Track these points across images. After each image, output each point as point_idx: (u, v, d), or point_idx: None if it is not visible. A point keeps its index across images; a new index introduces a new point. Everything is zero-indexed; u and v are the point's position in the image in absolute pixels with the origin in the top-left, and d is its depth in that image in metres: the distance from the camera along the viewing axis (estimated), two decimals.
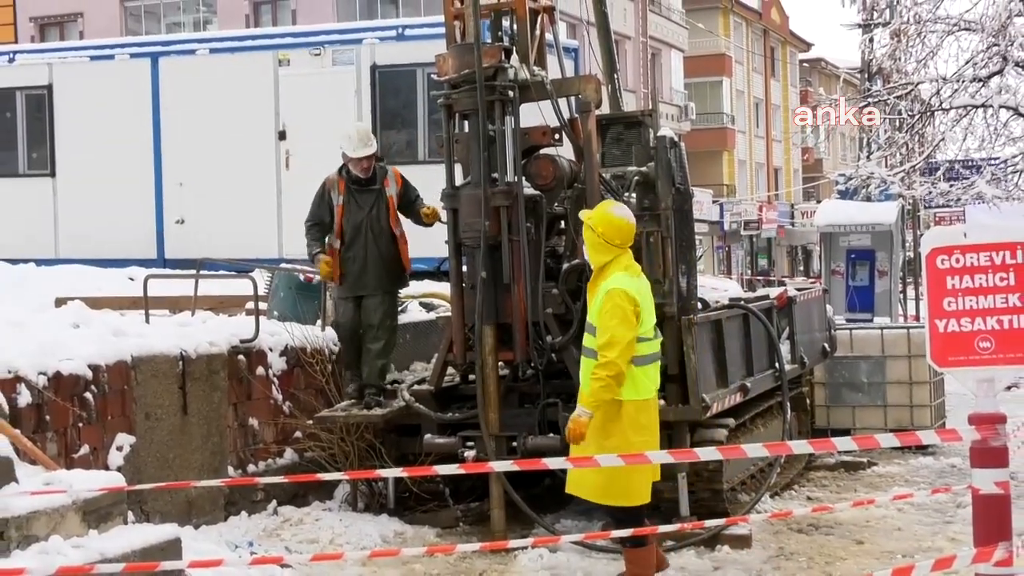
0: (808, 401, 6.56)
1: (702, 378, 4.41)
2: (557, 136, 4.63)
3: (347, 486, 4.83)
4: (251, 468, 4.76)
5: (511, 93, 4.44)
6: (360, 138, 4.69)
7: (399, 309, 5.53)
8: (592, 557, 4.18)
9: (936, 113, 8.68)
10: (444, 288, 5.25)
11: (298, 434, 4.94)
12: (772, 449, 3.24)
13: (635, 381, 3.51)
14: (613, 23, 5.93)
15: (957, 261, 2.55)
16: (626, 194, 4.62)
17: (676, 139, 4.65)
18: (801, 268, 33.24)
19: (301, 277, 5.41)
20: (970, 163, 10.25)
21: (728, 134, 29.47)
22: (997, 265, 2.52)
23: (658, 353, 3.64)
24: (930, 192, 10.42)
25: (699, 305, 4.85)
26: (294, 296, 5.34)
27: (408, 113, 7.69)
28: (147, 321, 4.91)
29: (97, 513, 3.37)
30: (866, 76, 14.74)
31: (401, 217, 4.79)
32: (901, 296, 12.43)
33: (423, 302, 6.00)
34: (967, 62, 8.17)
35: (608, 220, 3.59)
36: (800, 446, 3.86)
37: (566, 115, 4.62)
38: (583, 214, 3.72)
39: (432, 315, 5.83)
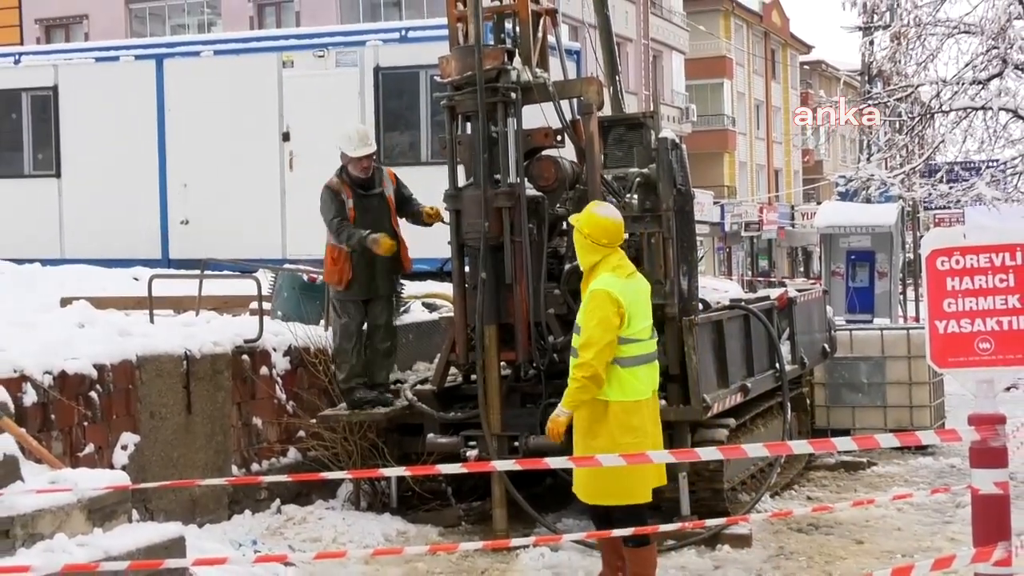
0: (808, 401, 6.58)
1: (703, 378, 4.42)
2: (559, 138, 4.65)
3: (350, 485, 4.85)
4: (255, 467, 4.78)
5: (513, 95, 4.46)
6: (360, 138, 4.70)
7: (402, 310, 5.57)
8: (594, 556, 4.19)
9: (936, 115, 8.71)
10: (447, 288, 5.28)
11: (301, 433, 4.97)
12: (772, 449, 3.25)
13: (621, 382, 3.45)
14: (615, 25, 5.97)
15: (957, 262, 2.56)
16: (628, 195, 4.65)
17: (677, 141, 4.67)
18: (801, 269, 33.26)
19: (304, 277, 5.43)
20: (970, 165, 10.28)
21: (729, 136, 29.52)
22: (997, 266, 2.54)
23: (652, 354, 3.57)
24: (930, 194, 10.44)
25: (700, 306, 4.87)
26: (297, 296, 5.36)
27: (411, 115, 7.71)
28: (152, 321, 4.93)
29: (102, 511, 3.39)
30: (866, 78, 14.78)
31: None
32: (901, 297, 12.45)
33: (426, 302, 6.02)
34: (967, 65, 8.21)
35: (593, 220, 3.58)
36: (800, 446, 3.88)
37: (568, 117, 4.64)
38: (572, 218, 3.72)
39: (435, 315, 5.85)
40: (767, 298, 5.80)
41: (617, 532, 3.40)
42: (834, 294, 10.10)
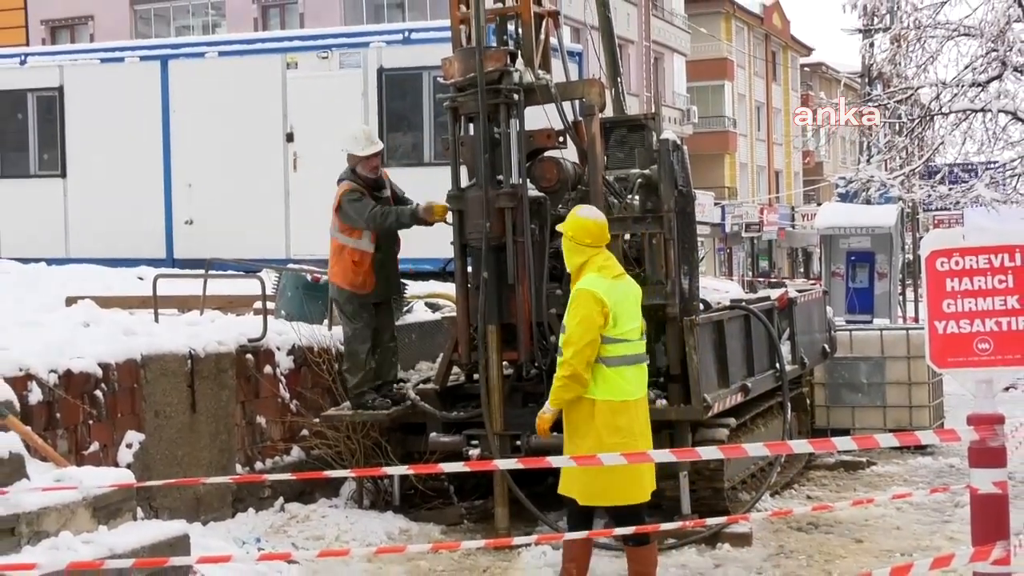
0: (808, 401, 6.60)
1: (704, 378, 4.44)
2: (561, 139, 4.67)
3: (353, 483, 4.87)
4: (258, 465, 4.80)
5: (516, 96, 4.49)
6: (366, 137, 4.72)
7: (405, 310, 5.60)
8: (596, 554, 4.18)
9: (935, 117, 8.74)
10: (449, 289, 5.30)
11: (305, 432, 4.99)
12: (772, 448, 3.28)
13: (608, 382, 3.45)
14: (616, 27, 5.98)
15: (956, 263, 2.57)
16: (629, 196, 4.67)
17: (679, 142, 4.69)
18: (801, 270, 33.28)
19: (308, 277, 5.46)
20: (969, 167, 10.31)
21: (730, 137, 29.56)
22: (996, 267, 2.54)
23: (640, 355, 3.56)
24: (929, 195, 10.46)
25: (701, 306, 4.89)
26: (301, 296, 5.37)
27: (414, 116, 7.74)
28: (156, 320, 4.96)
29: (107, 509, 3.41)
30: (866, 81, 14.80)
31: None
32: (900, 298, 12.49)
33: (428, 302, 6.05)
34: (966, 67, 8.23)
35: (575, 222, 3.62)
36: (800, 446, 3.91)
37: (570, 118, 4.66)
38: (559, 226, 3.75)
39: (437, 315, 5.87)
40: (767, 298, 5.82)
41: (619, 531, 3.42)
42: (834, 295, 10.13)
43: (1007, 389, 8.61)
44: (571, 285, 3.65)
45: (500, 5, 4.88)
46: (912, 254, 13.94)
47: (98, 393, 4.05)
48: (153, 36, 19.19)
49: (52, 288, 6.19)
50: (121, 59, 8.76)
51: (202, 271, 5.52)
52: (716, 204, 27.37)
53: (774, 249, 32.46)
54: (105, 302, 5.43)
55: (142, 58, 8.67)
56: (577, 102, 4.67)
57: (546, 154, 4.70)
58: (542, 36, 4.79)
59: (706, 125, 27.84)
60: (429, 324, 5.74)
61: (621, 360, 3.50)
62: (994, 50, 7.90)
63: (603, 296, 3.47)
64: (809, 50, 36.83)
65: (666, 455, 3.15)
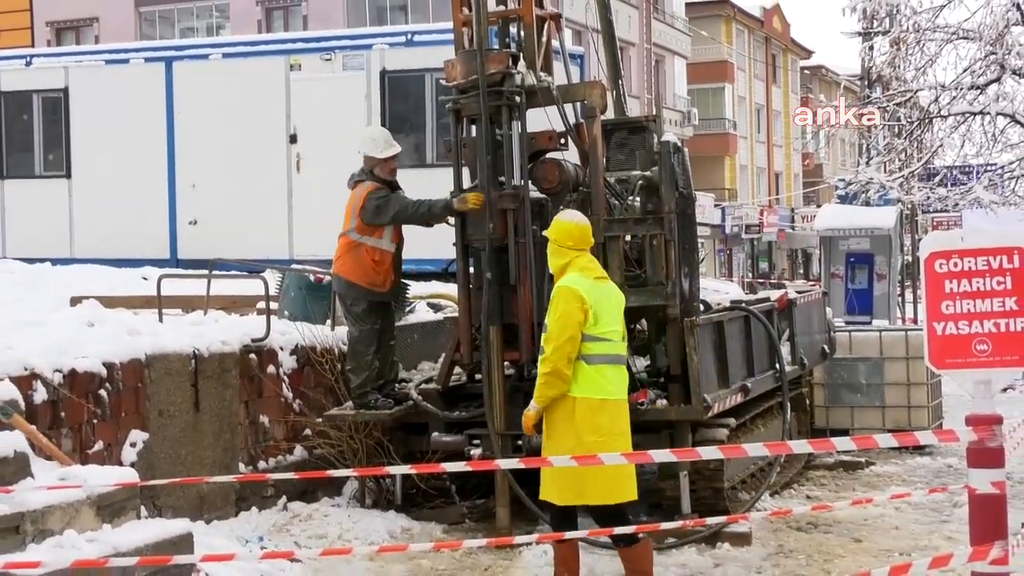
0: (808, 402, 6.63)
1: (704, 378, 4.46)
2: (563, 141, 4.70)
3: (355, 483, 4.89)
4: (261, 464, 4.82)
5: (518, 98, 4.51)
6: (385, 139, 4.73)
7: (408, 310, 5.62)
8: (595, 553, 4.24)
9: (934, 120, 8.77)
10: (451, 289, 5.33)
11: (308, 431, 5.01)
12: (772, 448, 3.27)
13: (588, 379, 3.48)
14: (618, 30, 6.02)
15: (955, 265, 2.58)
16: (630, 198, 4.70)
17: (679, 144, 4.71)
18: (801, 271, 33.32)
19: (311, 278, 5.48)
20: (968, 169, 10.35)
21: (730, 139, 29.61)
22: (994, 269, 2.55)
23: (620, 357, 3.59)
24: (928, 197, 10.50)
25: (701, 307, 4.91)
26: (304, 296, 5.39)
27: (417, 117, 7.77)
28: (160, 320, 4.97)
29: (111, 508, 3.42)
30: (866, 83, 14.85)
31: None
32: (899, 299, 12.52)
33: (431, 303, 6.07)
34: (965, 70, 8.27)
35: (558, 225, 3.68)
36: (800, 446, 3.92)
37: (572, 120, 4.69)
38: (545, 231, 3.81)
39: (439, 316, 5.90)
40: (767, 299, 5.85)
41: (620, 530, 3.44)
42: (833, 296, 10.16)
43: (1005, 390, 8.65)
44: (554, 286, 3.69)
45: (502, 8, 4.90)
46: (911, 256, 13.98)
47: (102, 392, 4.07)
48: (158, 38, 19.25)
49: (57, 288, 6.21)
50: (126, 61, 8.80)
51: (206, 271, 5.55)
52: (716, 206, 27.42)
53: (774, 250, 32.50)
54: (109, 302, 5.46)
55: (147, 60, 8.71)
56: (578, 104, 4.70)
57: (548, 156, 4.73)
58: (544, 39, 4.82)
59: (706, 127, 27.89)
60: (431, 324, 5.76)
61: (601, 358, 3.53)
62: (993, 53, 7.94)
63: (583, 293, 3.52)
64: (809, 53, 36.89)
65: (666, 455, 3.17)
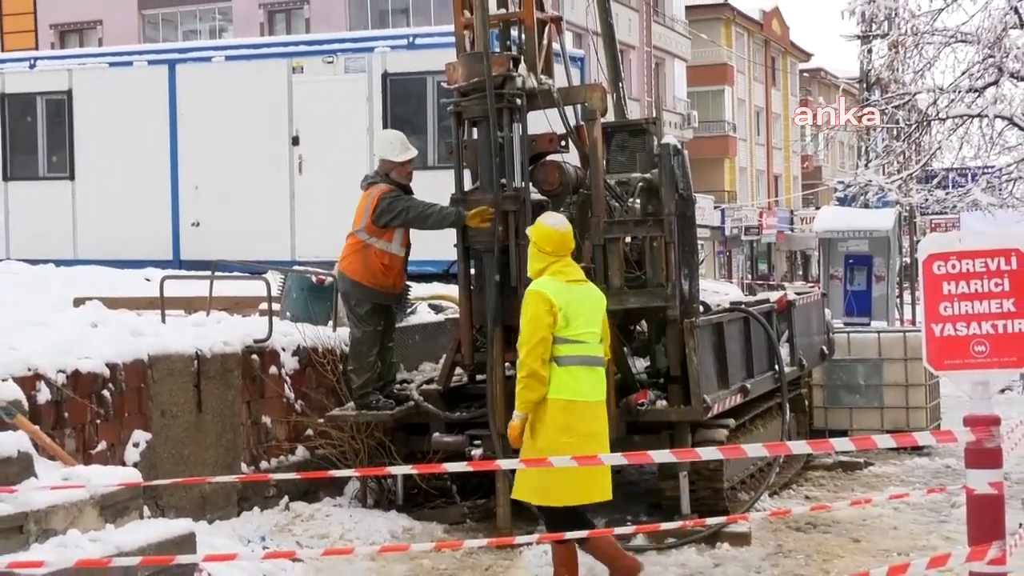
0: (807, 402, 6.66)
1: (703, 379, 4.48)
2: (563, 143, 4.73)
3: (357, 483, 4.90)
4: (264, 465, 4.83)
5: (519, 101, 4.54)
6: (402, 143, 4.74)
7: (409, 311, 5.64)
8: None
9: (933, 123, 8.81)
10: (452, 290, 5.35)
11: (309, 432, 5.02)
12: (771, 449, 3.27)
13: (558, 380, 3.52)
14: (618, 33, 6.05)
15: (953, 267, 2.59)
16: (630, 200, 4.73)
17: (679, 146, 4.73)
18: (800, 273, 33.37)
19: (313, 279, 5.50)
20: (966, 171, 10.40)
21: (729, 142, 29.67)
22: (992, 271, 2.55)
23: (596, 359, 3.61)
24: (927, 199, 10.55)
25: (701, 308, 4.93)
26: (306, 297, 5.41)
27: (418, 120, 7.80)
28: (163, 321, 4.99)
29: (114, 508, 3.44)
30: (865, 86, 14.89)
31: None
32: (898, 301, 12.56)
33: (432, 304, 6.10)
34: (963, 73, 8.31)
35: (539, 229, 3.71)
36: (799, 446, 3.94)
37: (572, 123, 4.71)
38: (528, 230, 3.82)
39: (440, 317, 5.92)
40: (766, 301, 5.87)
41: (621, 530, 3.47)
42: (832, 297, 10.19)
43: (1003, 391, 8.68)
44: None
45: (503, 11, 4.93)
46: (909, 257, 14.02)
47: (105, 393, 4.09)
48: (161, 40, 19.32)
49: (60, 289, 6.23)
50: (129, 63, 8.84)
51: (208, 272, 5.56)
52: (716, 208, 27.48)
53: (773, 252, 32.55)
54: (113, 303, 5.47)
55: (150, 62, 8.75)
56: (579, 107, 4.72)
57: (548, 158, 4.75)
58: (544, 41, 4.84)
59: (706, 129, 27.96)
60: (432, 325, 5.79)
61: (572, 360, 3.56)
62: (991, 56, 7.98)
63: (551, 296, 3.55)
64: (808, 56, 36.98)
65: (666, 455, 3.19)
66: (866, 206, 12.16)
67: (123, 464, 4.06)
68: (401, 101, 7.92)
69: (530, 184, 4.63)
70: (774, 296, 6.01)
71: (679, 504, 4.50)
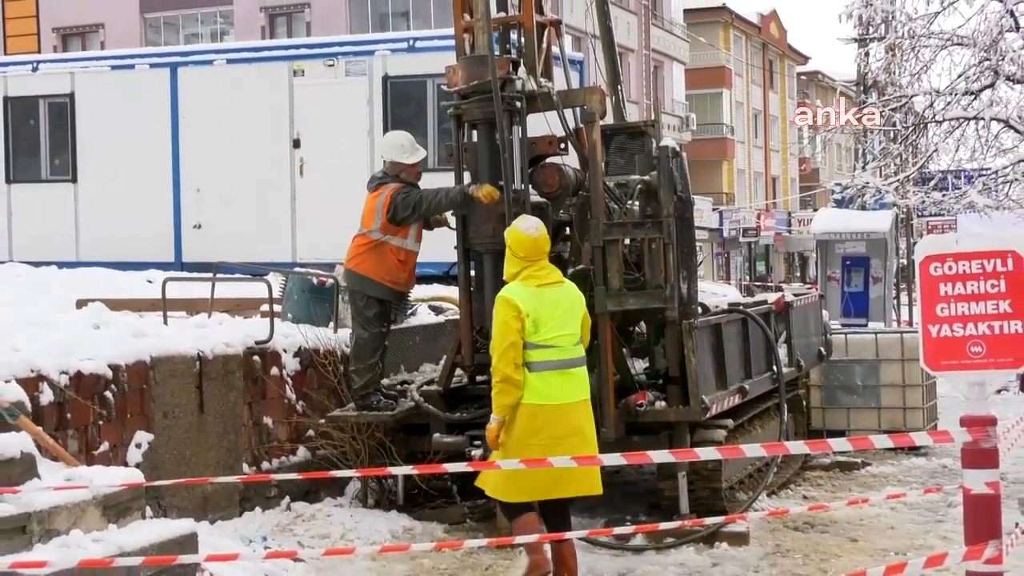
0: (804, 403, 6.68)
1: (702, 380, 4.50)
2: (563, 145, 4.75)
3: (358, 483, 4.92)
4: (265, 465, 4.85)
5: (519, 104, 4.56)
6: (412, 145, 4.76)
7: (410, 312, 5.66)
8: (595, 553, 4.28)
9: (929, 125, 8.86)
10: (452, 292, 5.38)
11: (311, 432, 5.04)
12: (769, 449, 3.29)
13: (530, 386, 3.58)
14: (617, 36, 6.06)
15: (949, 268, 2.60)
16: (629, 202, 4.75)
17: (678, 149, 4.75)
18: (798, 274, 33.44)
19: (314, 281, 5.52)
20: (962, 173, 10.45)
21: (728, 144, 29.74)
22: (988, 272, 2.56)
23: (571, 360, 3.65)
24: (923, 201, 10.60)
25: (699, 309, 4.96)
26: (307, 299, 5.42)
27: (418, 122, 7.81)
28: (165, 322, 5.01)
29: (116, 508, 3.45)
30: (862, 89, 14.96)
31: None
32: (895, 302, 12.61)
33: (432, 305, 6.12)
34: (959, 76, 8.36)
35: (512, 234, 3.75)
36: (797, 447, 3.95)
37: (571, 125, 4.73)
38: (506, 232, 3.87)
39: (440, 318, 5.95)
40: (764, 302, 5.90)
41: (620, 530, 3.50)
42: (830, 298, 10.24)
43: (999, 391, 8.73)
44: None
45: (503, 14, 4.96)
46: (906, 259, 14.07)
47: (108, 394, 4.10)
48: (163, 44, 19.32)
49: (63, 290, 6.22)
50: (131, 66, 8.84)
51: (210, 274, 5.57)
52: (714, 210, 27.54)
53: (771, 254, 32.61)
54: (115, 304, 5.46)
55: (152, 65, 8.75)
56: (578, 109, 4.74)
57: (548, 160, 4.77)
58: (544, 45, 4.86)
59: (705, 132, 28.02)
60: (433, 327, 5.80)
61: (544, 365, 3.60)
62: (987, 59, 8.03)
63: (518, 303, 3.60)
64: (806, 59, 37.07)
65: (665, 455, 3.21)
66: (863, 208, 12.22)
67: (125, 465, 4.08)
68: (401, 104, 7.93)
69: (530, 186, 4.65)
70: (772, 297, 6.03)
71: (678, 504, 4.52)
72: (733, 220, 28.56)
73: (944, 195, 10.12)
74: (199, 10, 20.57)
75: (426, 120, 7.84)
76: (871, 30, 11.97)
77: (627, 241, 4.74)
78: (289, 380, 5.02)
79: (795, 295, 6.41)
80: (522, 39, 4.84)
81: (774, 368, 5.35)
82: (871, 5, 9.84)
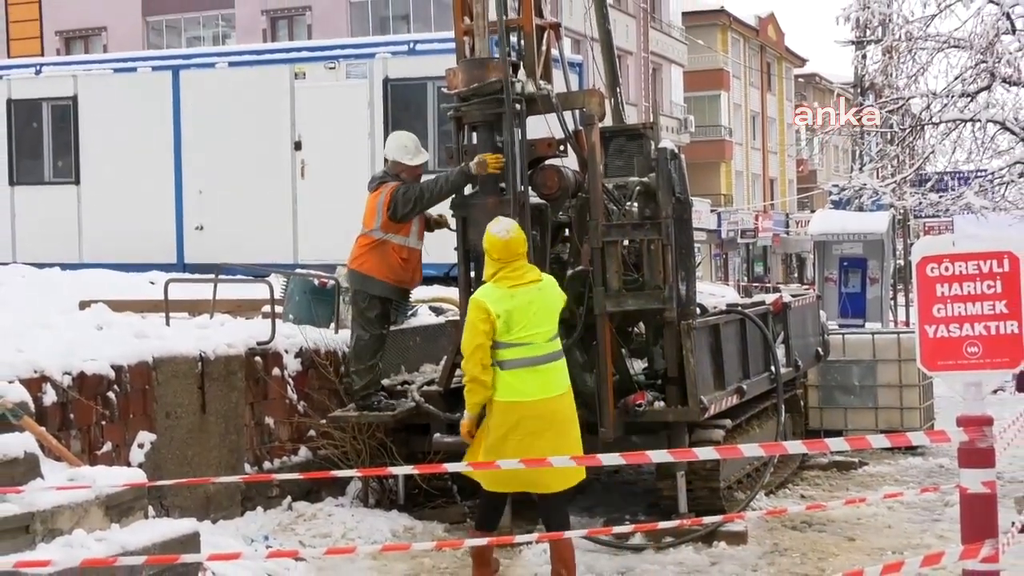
0: (802, 403, 6.69)
1: (700, 380, 4.53)
2: (562, 148, 4.78)
3: (359, 483, 4.94)
4: (267, 465, 4.87)
5: (518, 106, 4.59)
6: (416, 147, 4.79)
7: (410, 313, 5.69)
8: (595, 551, 4.30)
9: (926, 127, 8.89)
10: (453, 293, 5.41)
11: (312, 433, 5.06)
12: (767, 449, 3.31)
13: (502, 383, 3.65)
14: (616, 39, 6.08)
15: (946, 269, 2.59)
16: (628, 203, 4.78)
17: (676, 151, 4.77)
18: (795, 275, 33.50)
19: (315, 282, 5.55)
20: (959, 175, 10.50)
21: (726, 146, 29.81)
22: (984, 273, 2.56)
23: (545, 356, 3.69)
24: (920, 203, 10.63)
25: (698, 310, 4.98)
26: (308, 300, 5.44)
27: (419, 125, 7.83)
28: (167, 323, 5.03)
29: (119, 508, 3.47)
30: (859, 91, 15.01)
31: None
32: (892, 302, 12.65)
33: (433, 306, 6.14)
34: (956, 78, 8.39)
35: (487, 236, 3.81)
36: (794, 446, 3.98)
37: (571, 127, 4.76)
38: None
39: (441, 319, 5.98)
40: (762, 303, 5.93)
41: (619, 529, 3.52)
42: (827, 299, 10.28)
43: (995, 392, 8.73)
44: None
45: (503, 17, 4.98)
46: (903, 260, 14.12)
47: (111, 394, 4.13)
48: (165, 47, 19.36)
49: (66, 292, 6.23)
50: (134, 69, 8.86)
51: (212, 276, 5.60)
52: (712, 211, 27.59)
53: (769, 255, 32.67)
54: (118, 306, 5.48)
55: (154, 68, 8.77)
56: (577, 112, 4.76)
57: (547, 162, 4.80)
58: (544, 47, 4.89)
59: (703, 134, 28.09)
60: (433, 327, 5.83)
61: (517, 363, 3.65)
62: (983, 61, 8.06)
63: (489, 305, 3.65)
64: (803, 61, 37.15)
65: (664, 455, 3.23)
66: (860, 209, 12.27)
67: (128, 465, 4.10)
68: (402, 106, 7.96)
69: (529, 188, 4.68)
70: (770, 298, 6.05)
71: (676, 503, 4.54)
72: (731, 221, 28.62)
73: (941, 196, 10.16)
74: (201, 13, 20.59)
75: (426, 122, 7.86)
76: (868, 32, 12.03)
77: (626, 242, 4.77)
78: (290, 381, 5.04)
79: (793, 296, 6.43)
80: (522, 42, 4.86)
81: (772, 368, 5.37)
82: (868, 8, 9.88)
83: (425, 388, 4.91)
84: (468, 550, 3.95)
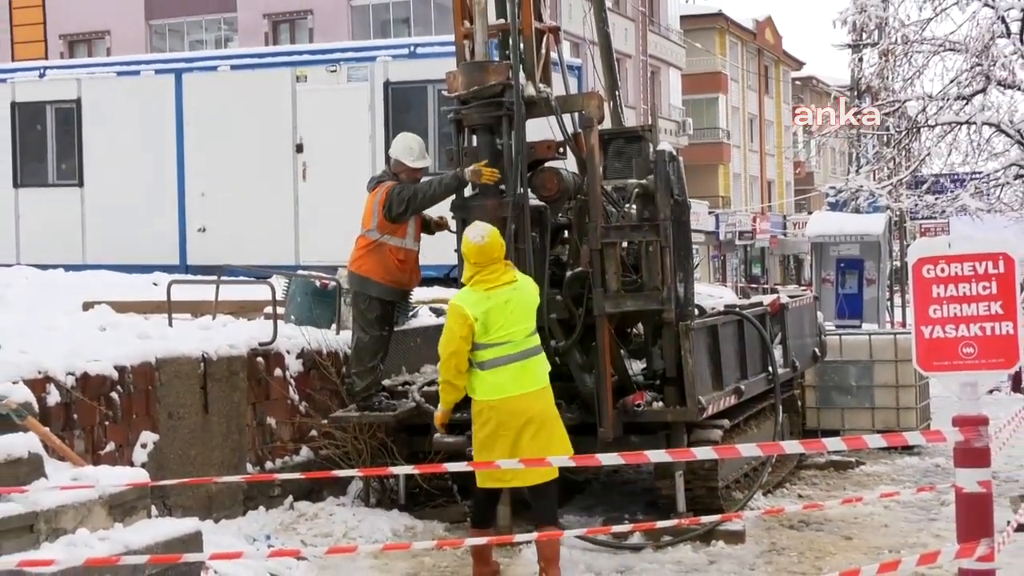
0: (799, 403, 6.72)
1: (699, 381, 4.54)
2: (561, 150, 4.80)
3: (360, 482, 4.97)
4: (269, 465, 4.90)
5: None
6: (420, 150, 4.80)
7: (411, 314, 5.72)
8: (594, 551, 4.33)
9: (922, 129, 8.95)
10: (453, 294, 5.43)
11: (313, 433, 5.09)
12: (765, 449, 3.32)
13: (483, 383, 3.75)
14: (615, 42, 6.14)
15: (942, 271, 2.61)
16: (627, 205, 4.82)
17: (674, 153, 4.79)
18: (793, 276, 33.56)
19: (317, 283, 5.57)
20: (954, 177, 10.56)
21: (724, 148, 29.90)
22: (980, 274, 2.57)
23: (524, 352, 3.76)
24: (916, 204, 10.70)
25: (696, 311, 5.02)
26: (310, 301, 5.48)
27: (419, 127, 7.85)
28: (170, 324, 5.06)
29: (122, 507, 3.50)
30: (856, 94, 15.09)
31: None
32: (888, 303, 12.71)
33: (433, 307, 6.18)
34: (952, 81, 8.45)
35: (464, 240, 3.90)
36: (792, 446, 4.01)
37: (570, 130, 4.78)
38: None
39: (441, 320, 5.98)
40: (760, 304, 5.95)
41: (618, 528, 3.55)
42: (824, 300, 10.30)
43: (991, 392, 8.82)
44: None
45: (502, 21, 5.02)
46: (899, 261, 14.17)
47: (114, 395, 4.15)
48: (167, 50, 19.43)
49: (70, 293, 6.26)
50: (137, 72, 8.92)
51: (214, 277, 5.63)
52: (710, 213, 27.67)
53: (766, 256, 32.74)
54: (121, 307, 5.50)
55: (157, 71, 8.83)
56: (576, 114, 4.78)
57: (546, 165, 4.82)
58: (543, 51, 4.90)
59: (701, 137, 28.18)
60: (434, 328, 5.83)
61: (496, 361, 3.75)
62: (978, 64, 8.12)
63: (467, 309, 3.74)
64: (800, 64, 37.25)
65: (662, 455, 3.26)
66: (857, 211, 12.33)
67: (131, 465, 4.12)
68: (402, 109, 8.01)
69: (529, 190, 4.71)
70: (767, 299, 6.07)
71: (675, 503, 4.57)
72: (729, 223, 28.68)
73: (937, 198, 10.22)
74: (203, 17, 20.62)
75: (427, 125, 7.90)
76: (865, 36, 12.09)
77: (625, 244, 4.79)
78: (292, 381, 5.07)
79: (790, 297, 6.46)
80: (521, 45, 4.90)
81: (770, 369, 5.40)
82: (865, 11, 9.95)
83: (426, 388, 4.93)
84: (468, 549, 3.99)
